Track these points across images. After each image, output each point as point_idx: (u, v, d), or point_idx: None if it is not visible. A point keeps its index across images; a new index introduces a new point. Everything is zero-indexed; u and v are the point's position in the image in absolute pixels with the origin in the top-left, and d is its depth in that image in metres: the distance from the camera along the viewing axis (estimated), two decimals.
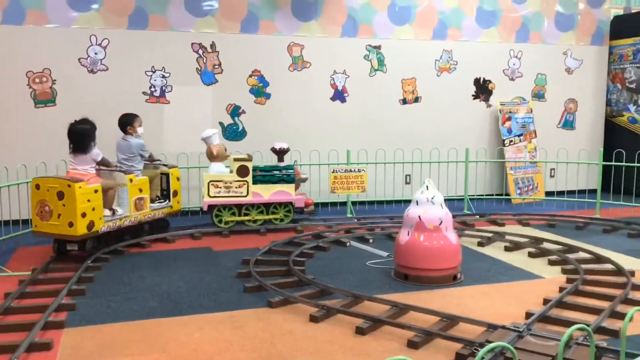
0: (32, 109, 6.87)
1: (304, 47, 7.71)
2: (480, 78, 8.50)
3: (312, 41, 7.72)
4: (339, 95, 7.94)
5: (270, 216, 6.52)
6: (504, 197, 8.16)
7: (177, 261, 5.28)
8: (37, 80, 6.87)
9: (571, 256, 5.25)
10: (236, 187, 6.36)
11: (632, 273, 4.70)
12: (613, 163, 7.54)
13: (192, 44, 7.32)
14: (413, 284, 4.58)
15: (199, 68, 7.37)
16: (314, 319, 3.80)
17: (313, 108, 7.80)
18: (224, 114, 7.52)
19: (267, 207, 6.51)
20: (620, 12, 9.77)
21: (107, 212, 5.51)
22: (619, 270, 4.75)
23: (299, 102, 7.74)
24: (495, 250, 5.66)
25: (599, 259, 5.14)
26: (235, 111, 7.57)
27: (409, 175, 8.01)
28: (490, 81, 8.53)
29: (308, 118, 7.78)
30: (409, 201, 4.96)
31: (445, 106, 8.30)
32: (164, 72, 7.24)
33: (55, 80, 6.91)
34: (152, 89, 7.25)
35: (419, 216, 4.64)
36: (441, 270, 4.60)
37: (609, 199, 7.64)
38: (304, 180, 6.76)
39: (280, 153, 6.68)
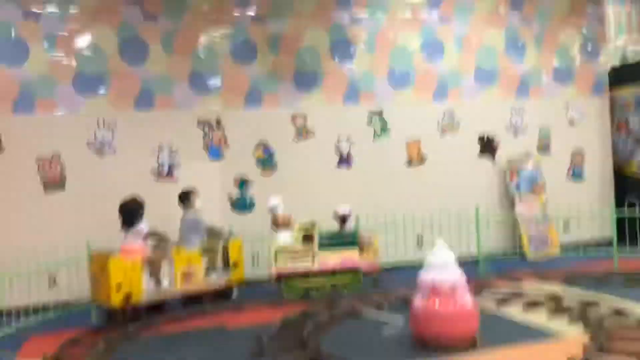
0: (42, 195, 6.95)
1: (307, 117, 7.83)
2: (484, 135, 8.55)
3: (315, 110, 7.86)
4: (345, 161, 8.00)
5: (338, 281, 6.47)
6: (517, 254, 8.03)
7: (189, 342, 5.18)
8: (46, 166, 6.98)
9: (591, 311, 5.10)
10: (302, 256, 6.36)
11: None
12: (627, 215, 7.39)
13: (198, 122, 7.48)
14: (431, 351, 4.44)
15: (206, 144, 7.50)
16: None
17: (320, 175, 7.84)
18: (232, 188, 7.58)
19: (333, 274, 6.49)
20: (617, 62, 9.92)
21: (152, 283, 5.73)
22: None
23: (306, 170, 7.80)
24: (514, 310, 5.51)
25: (619, 312, 4.98)
26: (242, 184, 7.63)
27: (421, 235, 7.93)
28: (494, 138, 8.57)
29: (315, 185, 7.80)
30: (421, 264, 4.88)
31: (451, 165, 8.30)
32: (171, 150, 7.36)
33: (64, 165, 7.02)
34: (160, 168, 7.35)
35: (433, 280, 4.55)
36: (459, 335, 4.47)
37: (626, 251, 7.45)
38: (369, 245, 6.67)
39: (343, 219, 6.81)
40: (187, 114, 7.44)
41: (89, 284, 5.90)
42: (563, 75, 8.90)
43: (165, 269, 5.86)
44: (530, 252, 8.12)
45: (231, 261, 6.40)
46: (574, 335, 4.65)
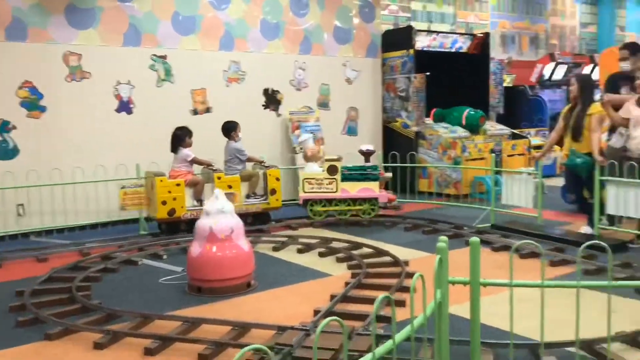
0: None
1: (81, 57, 7.22)
2: (269, 88, 8.74)
3: (91, 50, 7.27)
4: (125, 106, 7.58)
5: (357, 207, 7.29)
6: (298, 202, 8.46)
7: None
8: None
9: (356, 252, 5.63)
10: (327, 184, 7.20)
11: (407, 263, 5.19)
12: (390, 164, 8.27)
13: None
14: (207, 297, 4.53)
15: None
16: (98, 346, 3.55)
17: (96, 120, 7.34)
18: None
19: (354, 201, 7.29)
20: (390, 26, 10.81)
21: (195, 203, 6.78)
22: (395, 262, 5.20)
23: (80, 114, 7.23)
24: (289, 254, 5.84)
25: (380, 252, 5.57)
26: (3, 127, 6.81)
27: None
28: (278, 91, 8.82)
29: (92, 131, 7.29)
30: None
31: (236, 116, 8.37)
32: None
33: None
34: None
35: (210, 227, 4.60)
36: (234, 279, 4.61)
37: None
38: (388, 179, 7.61)
39: (367, 154, 7.57)
40: None
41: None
42: (342, 35, 9.42)
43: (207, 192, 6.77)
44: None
45: (269, 188, 7.14)
46: (339, 273, 5.09)
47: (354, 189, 7.25)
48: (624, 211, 5.69)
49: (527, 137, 10.39)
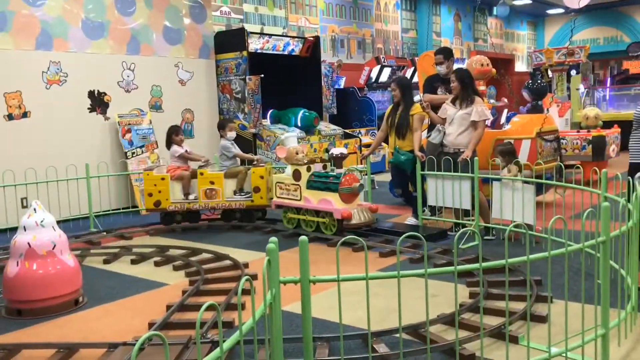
0: None
1: None
2: (94, 90, 8.23)
3: None
4: None
5: (320, 219, 6.31)
6: (131, 209, 8.08)
7: None
8: None
9: (194, 259, 5.49)
10: (293, 191, 6.48)
11: (246, 265, 5.17)
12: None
13: None
14: (29, 319, 4.13)
15: None
16: None
17: None
18: None
19: (317, 213, 6.33)
20: (223, 28, 10.73)
21: (183, 196, 7.07)
22: (235, 265, 5.16)
23: None
24: (122, 266, 5.53)
25: (218, 257, 5.50)
26: None
27: (25, 198, 7.24)
28: (105, 93, 8.33)
29: None
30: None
31: (59, 120, 7.78)
32: None
33: None
34: None
35: (28, 243, 4.21)
36: (59, 297, 4.26)
37: None
38: (357, 190, 6.10)
39: (338, 159, 6.45)
40: None
41: None
42: (173, 35, 9.16)
43: (193, 186, 7.07)
44: (142, 207, 8.26)
45: (253, 186, 6.94)
46: (175, 282, 4.93)
47: (316, 199, 6.27)
48: (443, 202, 6.20)
49: (358, 136, 10.92)
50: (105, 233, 6.84)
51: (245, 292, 4.39)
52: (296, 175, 6.43)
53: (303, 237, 2.43)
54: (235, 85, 9.71)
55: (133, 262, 5.59)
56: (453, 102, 6.27)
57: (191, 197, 7.07)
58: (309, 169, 6.42)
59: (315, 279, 2.48)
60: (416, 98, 7.06)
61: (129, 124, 8.45)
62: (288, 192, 6.57)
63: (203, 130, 9.64)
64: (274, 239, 2.38)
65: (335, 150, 6.60)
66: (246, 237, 6.58)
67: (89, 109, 8.19)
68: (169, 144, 7.29)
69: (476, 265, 2.69)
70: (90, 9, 8.14)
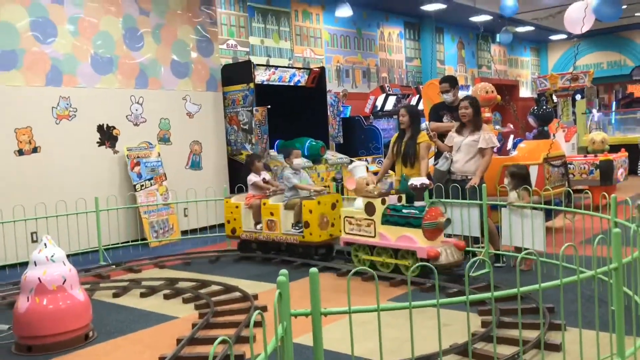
0: None
1: None
2: (104, 124, 8.33)
3: None
4: None
5: (400, 261, 5.58)
6: (140, 242, 8.10)
7: None
8: None
9: (204, 291, 5.48)
10: (365, 226, 5.74)
11: (256, 296, 5.15)
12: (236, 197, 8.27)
13: None
14: (39, 355, 4.12)
15: None
16: None
17: None
18: None
19: (395, 252, 5.61)
20: (230, 61, 10.89)
21: (254, 225, 7.06)
22: (244, 297, 5.15)
23: None
24: (131, 299, 5.52)
25: (228, 289, 5.48)
26: None
27: (35, 232, 7.29)
28: (114, 127, 8.43)
29: None
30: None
31: (68, 155, 7.86)
32: None
33: None
34: None
35: (39, 278, 4.22)
36: (69, 332, 4.25)
37: None
38: (442, 225, 5.36)
39: (420, 190, 5.62)
40: None
41: None
42: (180, 69, 9.29)
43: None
44: (152, 239, 8.28)
45: (303, 220, 6.51)
46: (185, 315, 4.91)
47: (395, 236, 5.53)
48: (452, 229, 6.17)
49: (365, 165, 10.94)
50: (114, 266, 6.84)
51: (256, 324, 4.38)
52: (369, 208, 5.69)
53: (313, 269, 2.43)
54: (242, 117, 9.79)
55: (142, 295, 5.58)
56: (459, 130, 6.29)
57: (258, 227, 7.01)
58: (383, 202, 5.71)
59: (326, 311, 2.47)
60: (422, 126, 7.10)
61: (138, 157, 8.53)
62: (359, 228, 5.81)
63: (211, 161, 9.71)
64: (284, 271, 2.38)
65: (416, 181, 5.72)
66: (255, 269, 6.56)
67: (98, 142, 8.28)
68: (246, 172, 7.35)
69: (488, 294, 2.68)
70: (99, 44, 8.29)
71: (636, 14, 17.22)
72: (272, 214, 6.76)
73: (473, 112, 6.08)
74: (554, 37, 21.54)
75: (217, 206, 8.67)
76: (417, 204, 5.67)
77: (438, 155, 6.90)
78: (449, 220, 5.40)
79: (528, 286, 2.82)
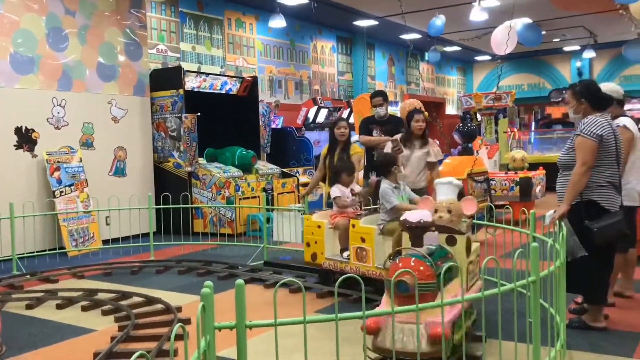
0: None
1: None
2: (22, 127, 7.91)
3: None
4: None
5: None
6: (58, 251, 7.72)
7: None
8: None
9: (124, 303, 5.27)
10: None
11: (179, 309, 5.01)
12: (162, 206, 8.06)
13: None
14: None
15: None
16: None
17: None
18: None
19: None
20: (159, 66, 10.63)
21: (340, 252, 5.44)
22: (167, 309, 4.99)
23: None
24: (46, 311, 5.23)
25: (150, 301, 5.30)
26: None
27: None
28: (33, 130, 8.02)
29: None
30: None
31: None
32: None
33: None
34: None
35: None
36: None
37: (161, 241, 8.10)
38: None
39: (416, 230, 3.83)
40: None
41: None
42: (106, 72, 8.98)
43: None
44: (71, 248, 7.92)
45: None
46: (104, 328, 4.70)
47: None
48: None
49: (295, 176, 10.95)
50: (29, 276, 6.48)
51: (178, 337, 4.25)
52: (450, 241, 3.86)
53: (239, 281, 2.37)
54: (170, 123, 9.57)
55: (58, 306, 5.30)
56: (404, 143, 6.09)
57: (345, 254, 5.41)
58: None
59: (251, 324, 2.42)
60: (353, 139, 7.17)
61: (58, 162, 8.14)
62: None
63: (136, 168, 9.41)
64: (208, 282, 2.30)
65: (411, 216, 3.99)
66: (179, 280, 6.39)
67: (15, 145, 7.84)
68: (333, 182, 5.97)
69: (413, 306, 2.71)
70: (20, 42, 7.88)
71: (554, 40, 18.21)
72: (363, 240, 5.13)
73: (425, 126, 6.20)
74: (479, 58, 22.43)
75: (141, 215, 8.41)
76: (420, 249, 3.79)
77: (367, 169, 6.98)
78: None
79: (451, 299, 2.87)
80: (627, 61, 16.46)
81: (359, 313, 2.58)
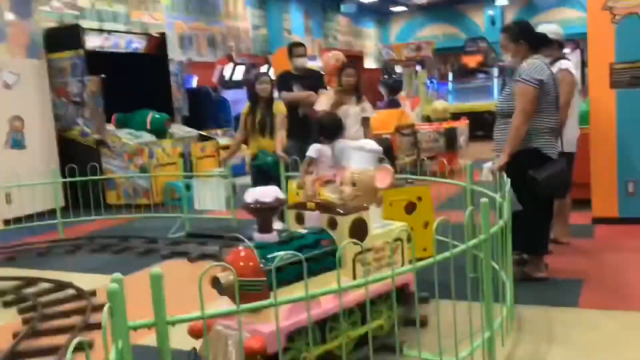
0: None
1: None
2: None
3: None
4: None
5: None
6: None
7: None
8: None
9: (30, 291, 4.69)
10: None
11: (94, 293, 4.49)
12: (69, 179, 7.33)
13: None
14: None
15: None
16: None
17: None
18: None
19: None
20: (54, 24, 9.62)
21: None
22: (79, 295, 4.46)
23: None
24: None
25: (60, 286, 4.74)
26: None
27: None
28: None
29: None
30: None
31: None
32: None
33: None
34: None
35: None
36: None
37: (71, 217, 7.38)
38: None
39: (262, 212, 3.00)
40: None
41: None
42: None
43: None
44: None
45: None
46: (5, 323, 4.13)
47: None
48: None
49: (215, 138, 10.38)
50: None
51: (92, 327, 3.77)
52: None
53: (155, 270, 1.95)
54: (72, 88, 8.71)
55: None
56: (341, 97, 5.75)
57: None
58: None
59: (174, 319, 2.01)
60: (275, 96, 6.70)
61: None
62: None
63: (36, 139, 8.52)
64: (116, 276, 1.87)
65: (262, 196, 2.96)
66: (92, 260, 5.81)
67: None
68: None
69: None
70: None
71: None
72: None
73: (357, 81, 5.75)
74: (395, 9, 22.26)
75: (46, 190, 7.63)
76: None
77: (293, 127, 6.56)
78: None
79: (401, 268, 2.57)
80: (537, 8, 16.76)
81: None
